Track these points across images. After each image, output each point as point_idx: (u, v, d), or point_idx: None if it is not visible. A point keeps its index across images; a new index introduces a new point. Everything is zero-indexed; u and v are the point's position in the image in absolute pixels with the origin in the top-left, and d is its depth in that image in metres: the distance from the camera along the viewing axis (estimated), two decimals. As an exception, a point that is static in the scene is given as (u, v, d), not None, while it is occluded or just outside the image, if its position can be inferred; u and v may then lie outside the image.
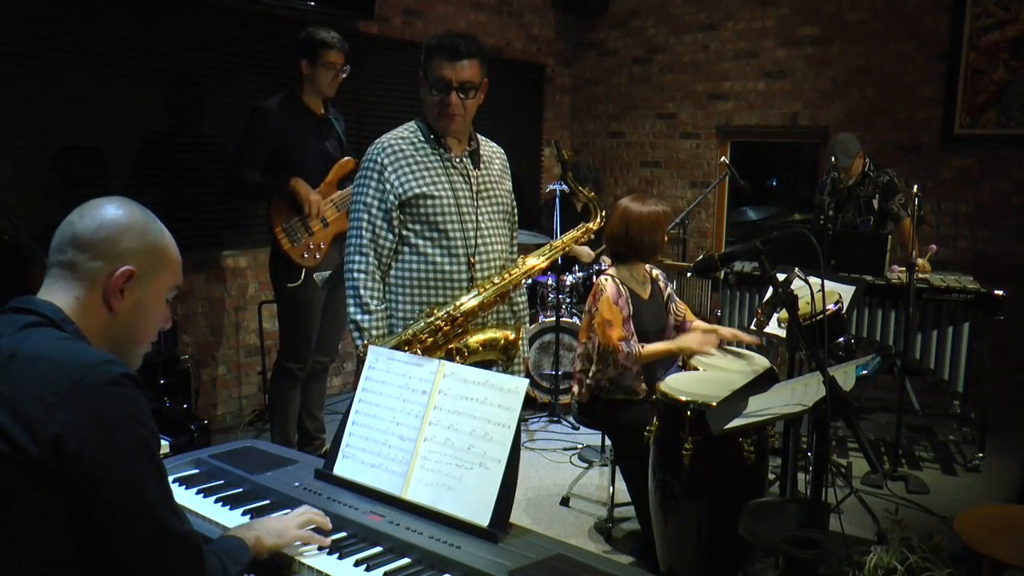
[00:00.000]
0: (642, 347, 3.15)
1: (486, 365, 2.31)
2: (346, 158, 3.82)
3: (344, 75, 3.78)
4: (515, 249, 2.68)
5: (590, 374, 3.27)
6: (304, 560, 1.58)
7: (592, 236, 2.62)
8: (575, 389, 3.35)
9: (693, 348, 3.21)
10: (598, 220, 2.59)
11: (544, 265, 2.48)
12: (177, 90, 4.28)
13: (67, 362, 1.21)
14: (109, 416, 1.20)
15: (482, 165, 2.53)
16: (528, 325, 4.76)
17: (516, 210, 2.67)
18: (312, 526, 1.63)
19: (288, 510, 1.77)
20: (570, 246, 2.55)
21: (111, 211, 1.36)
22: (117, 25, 3.99)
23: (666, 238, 3.31)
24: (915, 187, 4.05)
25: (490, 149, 2.60)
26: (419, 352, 2.24)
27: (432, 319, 2.31)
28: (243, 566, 1.46)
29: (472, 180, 2.48)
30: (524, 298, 2.65)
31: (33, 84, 3.74)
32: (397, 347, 2.21)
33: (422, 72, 2.42)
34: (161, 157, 4.25)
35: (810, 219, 5.11)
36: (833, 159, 4.57)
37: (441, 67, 2.36)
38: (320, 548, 1.61)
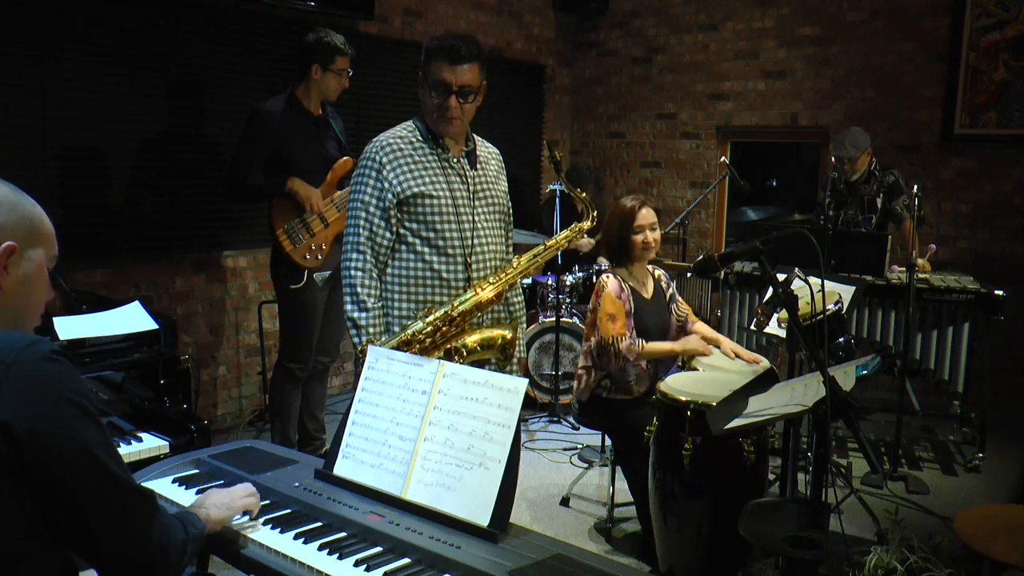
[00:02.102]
0: (643, 343, 3.15)
1: (481, 365, 2.31)
2: (345, 158, 3.82)
3: (349, 79, 3.81)
4: (511, 249, 2.69)
5: (593, 372, 3.27)
6: (304, 560, 1.58)
7: (584, 235, 2.63)
8: (576, 385, 3.35)
9: (699, 349, 3.21)
10: (589, 220, 2.59)
11: (539, 264, 2.48)
12: (177, 90, 4.28)
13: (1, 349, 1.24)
14: (50, 393, 1.24)
15: (479, 165, 2.53)
16: (526, 326, 4.76)
17: (512, 211, 2.68)
18: (254, 495, 1.76)
19: (287, 510, 1.77)
20: (563, 245, 2.56)
21: None
22: (116, 25, 3.99)
23: (647, 237, 3.24)
24: (915, 187, 4.05)
25: (486, 150, 2.61)
26: (418, 352, 2.24)
27: (430, 319, 2.31)
28: (199, 532, 1.53)
29: (469, 180, 2.49)
30: (521, 298, 2.66)
31: (33, 84, 3.74)
32: (396, 347, 2.21)
33: (421, 73, 2.42)
34: (161, 157, 4.25)
35: (811, 218, 5.10)
36: (840, 151, 4.57)
37: (441, 70, 2.36)
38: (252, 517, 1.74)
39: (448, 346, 2.32)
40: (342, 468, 1.88)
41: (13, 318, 1.38)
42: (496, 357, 2.41)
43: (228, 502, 1.69)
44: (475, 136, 2.56)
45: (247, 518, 1.74)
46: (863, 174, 4.73)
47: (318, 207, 3.70)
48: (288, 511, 1.78)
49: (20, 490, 1.21)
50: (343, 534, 1.68)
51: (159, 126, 4.24)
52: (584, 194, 2.63)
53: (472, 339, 2.35)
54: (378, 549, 1.63)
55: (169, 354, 3.13)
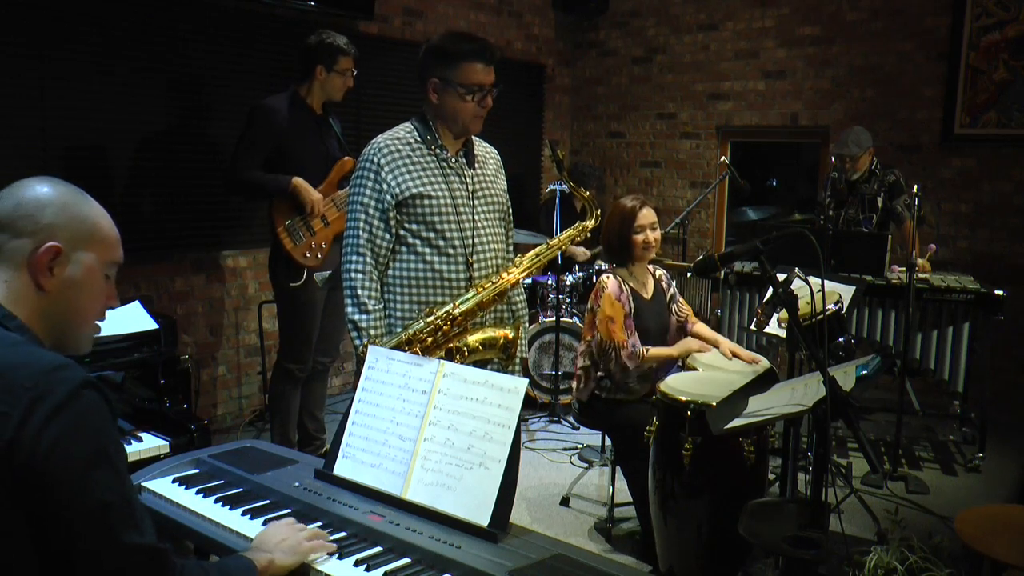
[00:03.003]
0: (646, 350, 3.15)
1: (482, 364, 2.31)
2: (345, 158, 3.83)
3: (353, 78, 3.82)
4: (511, 248, 2.69)
5: (592, 372, 3.27)
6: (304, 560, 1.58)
7: (588, 235, 2.62)
8: (575, 385, 3.35)
9: (693, 349, 3.23)
10: (594, 219, 2.59)
11: (541, 264, 2.48)
12: (176, 89, 4.28)
13: (19, 370, 1.17)
14: (64, 426, 1.15)
15: (477, 165, 2.54)
16: (527, 325, 4.76)
17: (511, 210, 2.68)
18: (319, 539, 1.60)
19: (288, 510, 1.77)
20: (567, 245, 2.55)
21: (30, 189, 1.33)
22: (116, 25, 3.99)
23: (647, 237, 3.24)
24: (915, 187, 4.05)
25: (483, 149, 2.61)
26: (419, 352, 2.24)
27: (431, 319, 2.31)
28: None
29: (468, 180, 2.49)
30: (523, 297, 2.66)
31: (33, 84, 3.74)
32: (397, 347, 2.21)
33: (437, 79, 2.39)
34: (161, 157, 4.25)
35: (811, 218, 5.10)
36: (842, 149, 4.57)
37: (475, 71, 2.37)
38: (329, 554, 1.59)
39: (450, 345, 2.32)
40: (342, 468, 1.88)
41: (56, 323, 1.33)
42: (498, 356, 2.41)
43: (294, 545, 1.53)
44: (472, 136, 2.56)
45: (247, 517, 1.74)
46: (864, 173, 4.73)
47: (320, 210, 3.70)
48: (288, 511, 1.78)
49: (11, 517, 1.14)
50: (343, 534, 1.68)
51: (159, 126, 4.24)
52: (588, 193, 2.63)
53: (474, 339, 2.35)
54: (378, 549, 1.63)
55: (169, 354, 3.13)
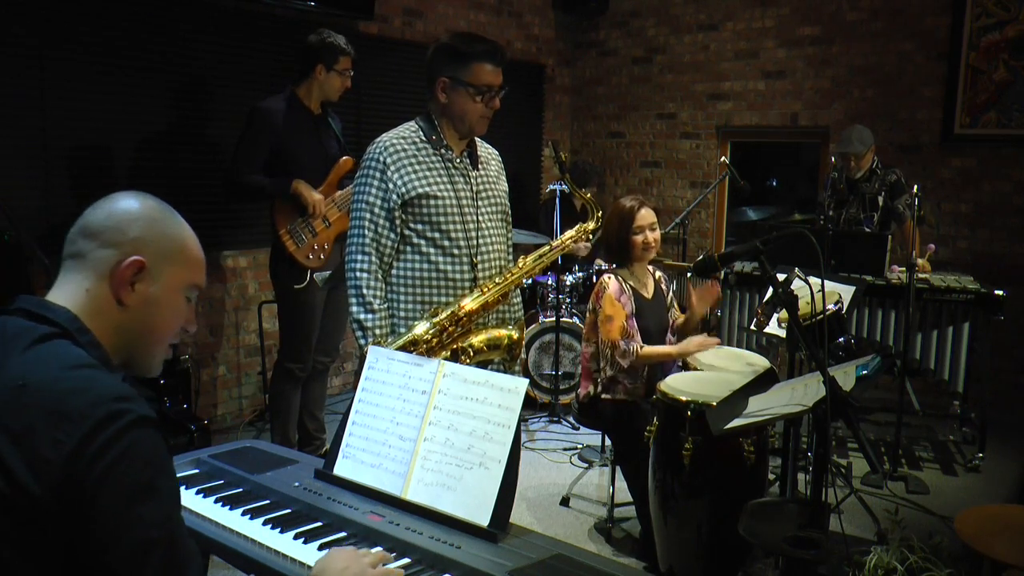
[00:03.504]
0: (641, 347, 3.15)
1: (483, 365, 2.31)
2: (345, 157, 3.83)
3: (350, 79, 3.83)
4: (511, 250, 2.69)
5: (593, 374, 3.27)
6: (304, 560, 1.58)
7: (590, 236, 2.62)
8: (588, 388, 3.32)
9: (692, 350, 3.22)
10: (595, 220, 2.59)
11: (544, 265, 2.49)
12: (176, 89, 4.28)
13: (78, 396, 1.12)
14: (116, 457, 1.11)
15: (480, 165, 2.54)
16: (526, 326, 4.75)
17: (510, 211, 2.68)
18: (383, 563, 1.51)
19: (288, 510, 1.77)
20: (568, 246, 2.56)
21: (123, 201, 1.32)
22: (116, 25, 3.99)
23: (647, 237, 3.24)
24: (915, 187, 4.05)
25: (486, 150, 2.62)
26: (424, 352, 2.24)
27: (437, 319, 2.31)
28: None
29: (472, 181, 2.49)
30: (519, 298, 2.66)
31: (33, 84, 3.74)
32: (403, 348, 2.21)
33: (447, 78, 2.39)
34: (161, 157, 4.25)
35: (812, 218, 5.09)
36: (846, 147, 4.56)
37: (485, 72, 2.37)
38: None
39: (455, 346, 2.32)
40: (342, 468, 1.88)
41: (130, 340, 1.30)
42: (502, 357, 2.41)
43: (358, 574, 1.42)
44: (474, 137, 2.56)
45: (247, 517, 1.74)
46: (865, 172, 4.73)
47: (322, 211, 3.70)
48: (288, 511, 1.78)
49: (51, 551, 1.10)
50: (343, 534, 1.68)
51: (159, 126, 4.24)
52: (588, 194, 2.63)
53: (478, 339, 2.35)
54: (378, 549, 1.63)
55: (169, 354, 3.14)
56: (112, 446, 1.11)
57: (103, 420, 1.11)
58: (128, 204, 1.31)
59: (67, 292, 1.27)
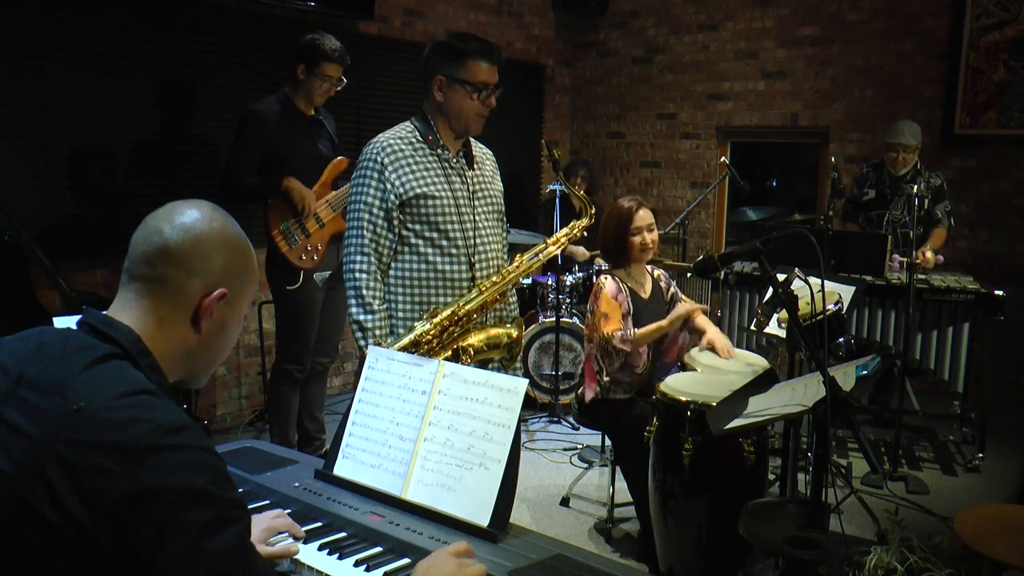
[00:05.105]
0: (634, 332, 3.15)
1: (483, 365, 2.31)
2: (339, 158, 3.82)
3: (339, 88, 3.77)
4: (506, 250, 2.69)
5: (594, 375, 3.26)
6: (304, 560, 1.58)
7: (584, 233, 2.62)
8: (594, 391, 3.30)
9: (682, 314, 3.20)
10: (588, 217, 2.58)
11: (541, 263, 2.48)
12: (176, 90, 4.28)
13: (135, 429, 1.09)
14: (181, 498, 1.07)
15: (475, 165, 2.54)
16: (525, 326, 4.74)
17: (505, 211, 2.68)
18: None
19: (289, 510, 1.77)
20: (564, 244, 2.55)
21: (205, 223, 1.26)
22: (116, 25, 3.99)
23: (644, 238, 3.24)
24: (915, 187, 4.05)
25: (480, 151, 2.62)
26: (425, 353, 2.24)
27: (437, 319, 2.31)
28: None
29: (468, 180, 2.49)
30: (515, 298, 2.66)
31: (33, 84, 3.74)
32: (405, 349, 2.21)
33: (443, 76, 2.40)
34: (161, 157, 4.25)
35: (848, 210, 4.89)
36: (898, 138, 4.51)
37: (481, 69, 2.39)
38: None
39: (455, 346, 2.32)
40: (342, 468, 1.88)
41: (197, 362, 1.29)
42: (503, 356, 2.41)
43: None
44: (469, 137, 2.56)
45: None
46: (909, 171, 4.69)
47: (313, 208, 3.69)
48: (288, 511, 1.78)
49: None
50: (343, 534, 1.68)
51: (159, 126, 4.24)
52: (581, 192, 2.63)
53: (478, 339, 2.35)
54: (378, 549, 1.63)
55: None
56: (168, 480, 1.07)
57: (158, 449, 1.08)
58: (210, 225, 1.27)
59: (135, 314, 1.23)
